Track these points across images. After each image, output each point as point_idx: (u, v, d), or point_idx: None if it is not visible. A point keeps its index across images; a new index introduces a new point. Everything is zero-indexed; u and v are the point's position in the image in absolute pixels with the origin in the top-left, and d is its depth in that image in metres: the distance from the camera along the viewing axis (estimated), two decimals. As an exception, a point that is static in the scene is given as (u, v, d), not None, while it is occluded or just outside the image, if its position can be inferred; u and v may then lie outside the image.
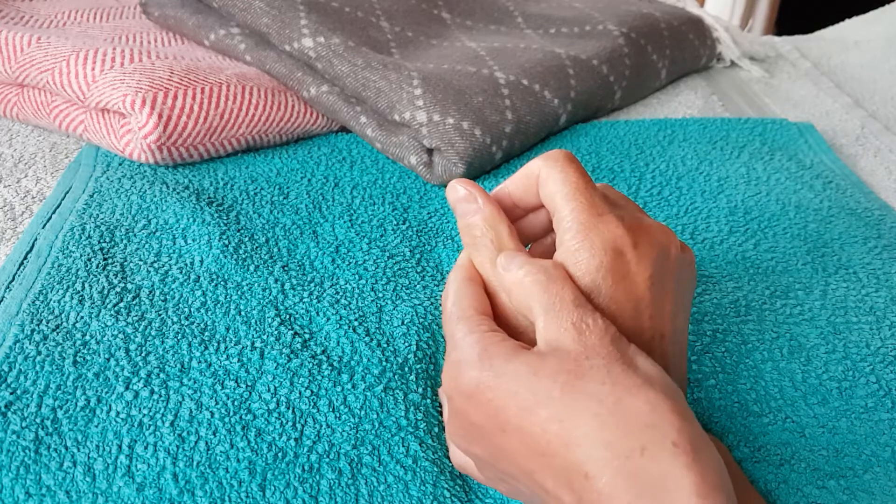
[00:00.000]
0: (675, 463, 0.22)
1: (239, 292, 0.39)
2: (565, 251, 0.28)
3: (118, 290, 0.38)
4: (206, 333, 0.36)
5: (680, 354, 0.30)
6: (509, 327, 0.29)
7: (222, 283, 0.39)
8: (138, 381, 0.33)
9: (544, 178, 0.29)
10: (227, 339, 0.35)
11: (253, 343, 0.35)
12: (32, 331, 0.35)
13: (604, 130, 0.59)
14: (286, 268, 0.41)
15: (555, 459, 0.23)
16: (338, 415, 0.32)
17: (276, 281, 0.40)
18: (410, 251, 0.43)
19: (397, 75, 0.52)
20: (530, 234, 0.33)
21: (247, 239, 0.43)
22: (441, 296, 0.40)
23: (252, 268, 0.40)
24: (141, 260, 0.41)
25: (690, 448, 0.22)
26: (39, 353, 0.33)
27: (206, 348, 0.35)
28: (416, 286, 0.40)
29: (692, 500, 0.21)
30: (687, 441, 0.22)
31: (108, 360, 0.33)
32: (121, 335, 0.35)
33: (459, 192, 0.30)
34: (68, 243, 0.41)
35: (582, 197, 0.28)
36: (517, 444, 0.25)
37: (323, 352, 0.35)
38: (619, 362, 0.24)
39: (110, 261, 0.40)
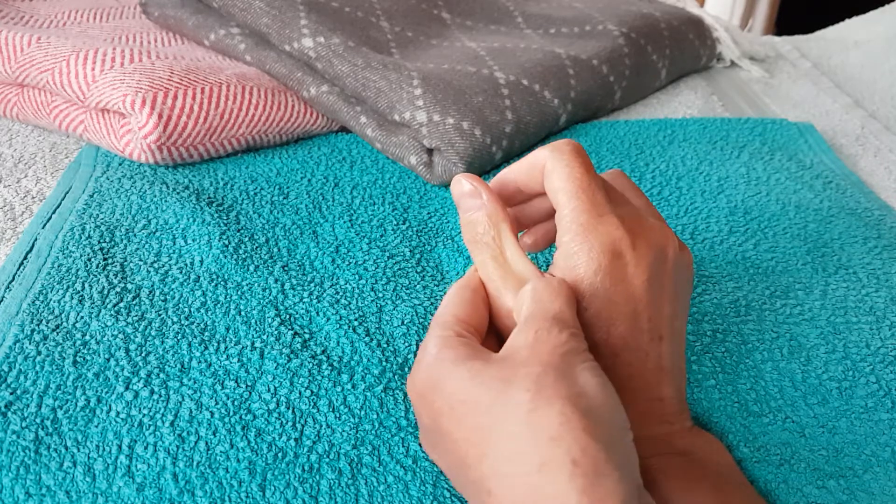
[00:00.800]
0: (571, 485, 0.20)
1: (239, 292, 0.39)
2: (564, 253, 0.27)
3: (118, 290, 0.38)
4: (206, 333, 0.36)
5: (679, 356, 0.30)
6: (507, 329, 0.29)
7: (222, 283, 0.39)
8: (138, 381, 0.33)
9: (549, 170, 0.28)
10: (227, 339, 0.35)
11: (253, 343, 0.35)
12: (32, 331, 0.35)
13: (604, 130, 0.59)
14: (286, 268, 0.41)
15: (471, 472, 0.23)
16: (338, 415, 0.32)
17: (276, 281, 0.40)
18: (410, 251, 0.43)
19: (397, 75, 0.52)
20: (534, 218, 0.33)
21: (247, 239, 0.43)
22: (441, 296, 0.40)
23: (252, 268, 0.40)
24: (141, 260, 0.41)
25: (592, 471, 0.21)
26: (39, 353, 0.33)
27: (206, 348, 0.35)
28: (416, 286, 0.40)
29: None
30: (591, 462, 0.21)
31: (108, 360, 0.33)
32: (121, 335, 0.35)
33: (465, 186, 0.30)
34: (68, 243, 0.41)
35: (584, 195, 0.27)
36: (450, 450, 0.24)
37: (323, 352, 0.35)
38: (554, 372, 0.23)
39: (110, 261, 0.40)
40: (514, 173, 0.31)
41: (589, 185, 0.28)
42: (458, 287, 0.29)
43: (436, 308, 0.38)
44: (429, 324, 0.37)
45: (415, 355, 0.35)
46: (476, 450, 0.23)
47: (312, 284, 0.40)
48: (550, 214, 0.32)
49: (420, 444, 0.30)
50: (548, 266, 0.39)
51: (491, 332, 0.29)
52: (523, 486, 0.21)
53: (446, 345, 0.26)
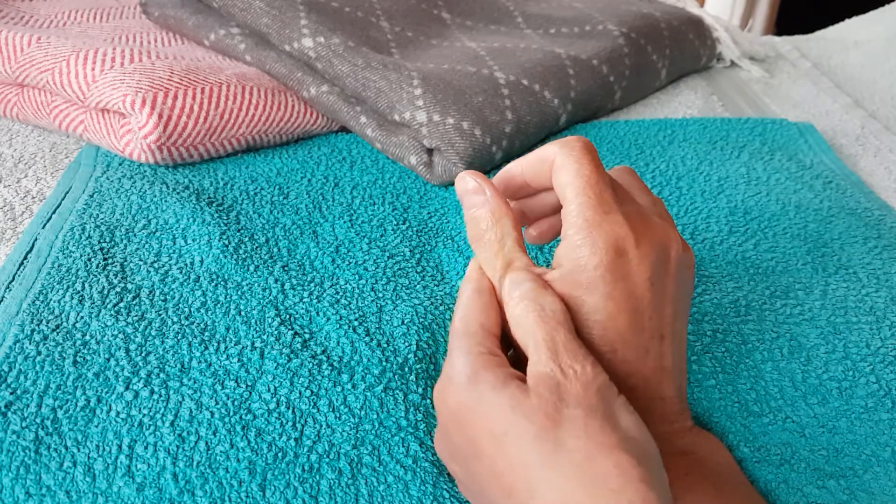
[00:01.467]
0: None
1: (239, 292, 0.38)
2: (567, 246, 0.28)
3: (118, 290, 0.38)
4: (206, 333, 0.36)
5: (679, 355, 0.30)
6: (508, 329, 0.29)
7: (222, 283, 0.39)
8: (138, 381, 0.33)
9: (558, 165, 0.29)
10: (227, 339, 0.35)
11: (253, 343, 0.35)
12: (32, 331, 0.35)
13: (604, 130, 0.59)
14: (286, 268, 0.41)
15: (518, 500, 0.23)
16: (338, 415, 0.32)
17: (276, 281, 0.40)
18: (410, 251, 0.43)
19: (397, 75, 0.52)
20: (539, 212, 0.33)
21: (247, 239, 0.43)
22: (441, 296, 0.40)
23: (252, 268, 0.40)
24: (141, 260, 0.41)
25: None
26: (39, 353, 0.33)
27: (206, 348, 0.35)
28: (416, 286, 0.40)
29: None
30: None
31: (108, 360, 0.33)
32: (121, 335, 0.35)
33: (469, 183, 0.30)
34: (68, 243, 0.41)
35: (591, 192, 0.28)
36: (487, 475, 0.24)
37: (323, 352, 0.35)
38: (598, 417, 0.24)
39: (110, 261, 0.40)
40: (522, 167, 0.31)
41: (597, 182, 0.28)
42: (473, 291, 0.29)
43: (436, 308, 0.38)
44: (429, 323, 0.37)
45: (415, 355, 0.35)
46: (523, 483, 0.23)
47: (312, 284, 0.40)
48: (556, 209, 0.32)
49: (435, 448, 0.29)
50: (548, 265, 0.39)
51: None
52: None
53: (483, 366, 0.26)
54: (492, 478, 0.24)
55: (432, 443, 0.31)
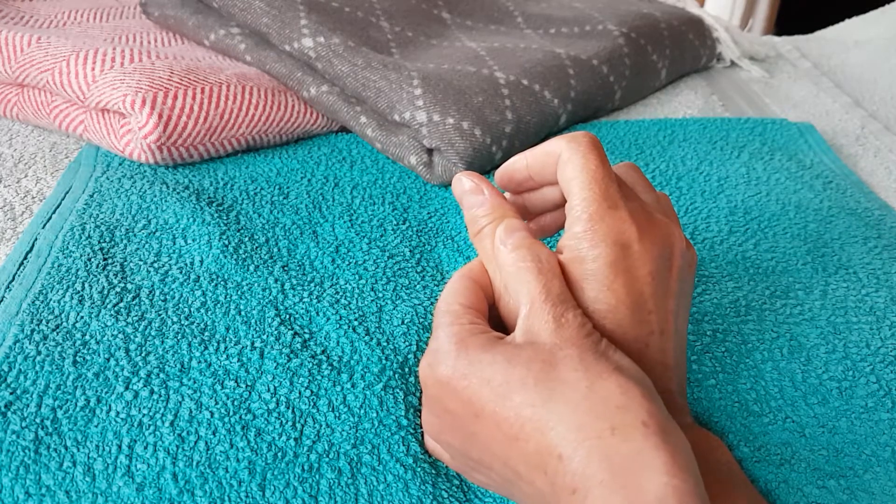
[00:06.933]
0: (646, 443, 0.22)
1: (239, 292, 0.38)
2: (570, 238, 0.28)
3: (118, 290, 0.38)
4: (206, 333, 0.36)
5: (680, 352, 0.30)
6: (507, 317, 0.29)
7: (222, 283, 0.39)
8: (138, 381, 0.33)
9: (564, 160, 0.29)
10: (227, 339, 0.35)
11: (253, 343, 0.35)
12: (32, 331, 0.35)
13: (604, 130, 0.59)
14: (286, 268, 0.41)
15: (528, 444, 0.24)
16: (337, 414, 0.32)
17: (276, 281, 0.40)
18: (410, 251, 0.43)
19: (397, 75, 0.52)
20: (541, 207, 0.33)
21: (247, 239, 0.43)
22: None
23: (252, 268, 0.40)
24: (141, 260, 0.41)
25: (659, 429, 0.23)
26: (39, 353, 0.33)
27: (206, 348, 0.35)
28: (416, 286, 0.40)
29: (663, 479, 0.21)
30: (656, 422, 0.23)
31: (108, 360, 0.33)
32: (121, 335, 0.35)
33: (465, 184, 0.31)
34: (68, 243, 0.41)
35: (597, 187, 0.28)
36: (491, 429, 0.25)
37: (323, 352, 0.35)
38: (591, 352, 0.25)
39: (110, 261, 0.40)
40: (528, 160, 0.31)
41: (603, 177, 0.28)
42: (458, 276, 0.30)
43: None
44: (429, 323, 0.37)
45: (415, 355, 0.35)
46: (532, 423, 0.24)
47: (312, 284, 0.40)
48: (558, 205, 0.33)
49: (423, 426, 0.30)
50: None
51: (491, 320, 0.29)
52: (599, 447, 0.22)
53: (466, 333, 0.27)
54: (495, 429, 0.25)
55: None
